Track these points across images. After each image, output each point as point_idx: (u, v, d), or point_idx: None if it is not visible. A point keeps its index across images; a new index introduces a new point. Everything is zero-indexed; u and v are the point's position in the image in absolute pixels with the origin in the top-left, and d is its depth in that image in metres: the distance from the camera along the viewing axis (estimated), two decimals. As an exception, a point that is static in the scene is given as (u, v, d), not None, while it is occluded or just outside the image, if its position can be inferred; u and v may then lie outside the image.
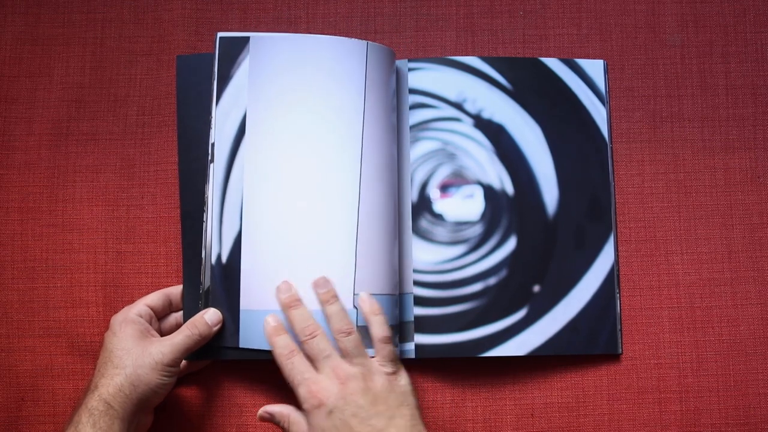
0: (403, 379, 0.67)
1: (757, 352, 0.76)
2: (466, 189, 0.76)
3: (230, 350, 0.71)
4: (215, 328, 0.70)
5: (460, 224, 0.75)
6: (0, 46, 0.80)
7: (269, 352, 0.68)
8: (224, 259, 0.70)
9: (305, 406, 0.64)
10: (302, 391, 0.65)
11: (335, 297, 0.68)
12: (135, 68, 0.80)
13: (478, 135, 0.76)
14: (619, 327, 0.75)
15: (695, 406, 0.75)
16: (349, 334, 0.66)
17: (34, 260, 0.77)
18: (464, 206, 0.76)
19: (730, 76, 0.79)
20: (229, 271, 0.70)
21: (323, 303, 0.68)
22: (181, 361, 0.68)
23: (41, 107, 0.79)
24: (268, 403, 0.74)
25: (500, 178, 0.76)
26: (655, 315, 0.76)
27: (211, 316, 0.70)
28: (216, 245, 0.71)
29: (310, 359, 0.66)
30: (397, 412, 0.64)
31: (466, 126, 0.76)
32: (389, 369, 0.66)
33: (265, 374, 0.75)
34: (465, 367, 0.75)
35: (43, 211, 0.78)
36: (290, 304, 0.68)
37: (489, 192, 0.76)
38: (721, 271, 0.77)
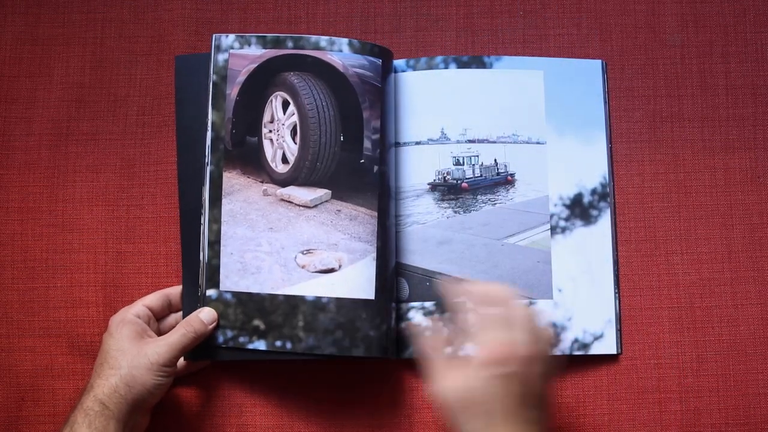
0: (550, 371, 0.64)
1: (757, 352, 0.76)
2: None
3: (230, 349, 0.71)
4: (210, 327, 0.70)
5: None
6: (0, 46, 0.80)
7: (269, 353, 0.69)
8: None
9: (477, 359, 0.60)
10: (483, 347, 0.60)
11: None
12: (135, 68, 0.80)
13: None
14: (618, 327, 0.75)
15: (695, 406, 0.75)
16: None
17: (34, 260, 0.77)
18: None
19: (730, 76, 0.79)
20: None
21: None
22: (177, 361, 0.68)
23: (41, 107, 0.79)
24: (267, 404, 0.75)
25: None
26: (655, 315, 0.76)
27: (206, 314, 0.70)
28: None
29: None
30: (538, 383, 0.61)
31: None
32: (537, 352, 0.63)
33: (265, 374, 0.75)
34: (465, 367, 0.75)
35: (43, 211, 0.78)
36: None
37: None
38: (721, 271, 0.77)
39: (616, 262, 0.76)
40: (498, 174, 0.77)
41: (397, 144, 0.76)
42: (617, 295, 0.76)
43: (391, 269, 0.73)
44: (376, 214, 0.72)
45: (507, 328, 0.60)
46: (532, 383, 0.59)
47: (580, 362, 0.76)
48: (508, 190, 0.77)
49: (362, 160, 0.72)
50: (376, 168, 0.72)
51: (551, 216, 0.76)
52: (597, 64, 0.78)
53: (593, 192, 0.77)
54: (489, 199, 0.77)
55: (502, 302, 0.62)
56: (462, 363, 0.61)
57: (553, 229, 0.76)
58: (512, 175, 0.77)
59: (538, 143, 0.77)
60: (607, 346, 0.75)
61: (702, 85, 0.79)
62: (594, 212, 0.76)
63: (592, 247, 0.76)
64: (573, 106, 0.78)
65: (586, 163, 0.77)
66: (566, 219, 0.76)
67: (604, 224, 0.76)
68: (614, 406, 0.75)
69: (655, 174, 0.78)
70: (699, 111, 0.79)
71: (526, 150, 0.77)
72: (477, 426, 0.58)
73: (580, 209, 0.76)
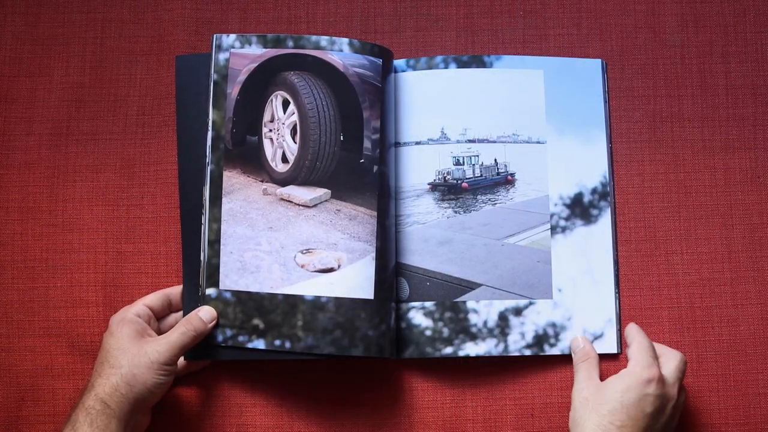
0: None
1: (757, 352, 0.76)
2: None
3: (229, 350, 0.71)
4: (210, 325, 0.70)
5: None
6: (0, 46, 0.80)
7: (268, 352, 0.69)
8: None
9: (641, 374, 0.66)
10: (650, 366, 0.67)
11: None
12: (135, 68, 0.80)
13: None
14: (618, 327, 0.75)
15: (695, 406, 0.75)
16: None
17: (34, 260, 0.77)
18: None
19: (730, 76, 0.79)
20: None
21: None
22: (177, 360, 0.68)
23: (41, 107, 0.79)
24: (267, 404, 0.74)
25: None
26: (655, 315, 0.76)
27: (205, 313, 0.70)
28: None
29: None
30: None
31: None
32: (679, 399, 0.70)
33: (265, 374, 0.75)
34: (465, 367, 0.75)
35: (43, 211, 0.78)
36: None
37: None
38: (721, 271, 0.77)
39: (616, 262, 0.76)
40: (498, 174, 0.77)
41: (397, 144, 0.76)
42: (617, 295, 0.76)
43: (390, 269, 0.73)
44: (375, 213, 0.72)
45: (663, 359, 0.69)
46: (672, 408, 0.66)
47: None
48: (508, 190, 0.77)
49: (362, 160, 0.72)
50: (375, 168, 0.72)
51: (551, 216, 0.76)
52: (597, 63, 0.78)
53: (593, 191, 0.77)
54: (489, 199, 0.77)
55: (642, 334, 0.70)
56: (622, 373, 0.67)
57: (553, 229, 0.76)
58: (512, 174, 0.77)
59: (538, 143, 0.77)
60: (607, 345, 0.75)
61: (702, 85, 0.79)
62: (594, 212, 0.76)
63: (592, 247, 0.76)
64: (573, 105, 0.78)
65: (586, 163, 0.77)
66: (566, 219, 0.76)
67: (604, 224, 0.76)
68: (614, 406, 0.75)
69: (655, 174, 0.78)
70: (699, 111, 0.79)
71: (526, 150, 0.77)
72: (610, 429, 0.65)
73: (580, 209, 0.76)
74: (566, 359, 0.75)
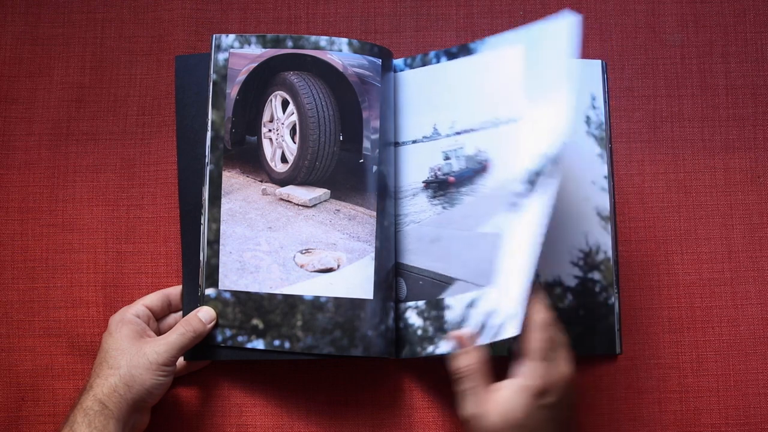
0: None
1: (757, 352, 0.76)
2: None
3: (229, 350, 0.71)
4: (209, 326, 0.70)
5: None
6: (0, 46, 0.80)
7: (268, 352, 0.69)
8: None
9: (529, 382, 0.61)
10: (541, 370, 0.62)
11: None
12: (135, 68, 0.80)
13: None
14: (618, 327, 0.75)
15: (695, 406, 0.75)
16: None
17: (34, 260, 0.77)
18: None
19: (730, 76, 0.79)
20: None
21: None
22: (176, 360, 0.68)
23: (41, 107, 0.79)
24: (267, 404, 0.75)
25: None
26: (654, 315, 0.76)
27: (204, 313, 0.70)
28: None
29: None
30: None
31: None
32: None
33: (265, 374, 0.75)
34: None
35: (43, 211, 0.78)
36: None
37: None
38: (721, 271, 0.77)
39: (615, 262, 0.76)
40: (479, 162, 0.74)
41: (396, 143, 0.76)
42: (617, 295, 0.75)
43: (389, 269, 0.73)
44: (374, 213, 0.72)
45: (549, 356, 0.62)
46: (569, 410, 0.62)
47: (580, 362, 0.75)
48: (483, 176, 0.73)
49: (361, 160, 0.72)
50: (375, 168, 0.72)
51: (509, 195, 0.70)
52: (597, 64, 0.78)
53: (552, 160, 0.66)
54: (470, 190, 0.74)
55: (543, 328, 0.63)
56: (500, 389, 0.62)
57: (509, 209, 0.70)
58: (488, 160, 0.73)
59: (512, 121, 0.71)
60: (607, 346, 0.75)
61: (702, 85, 0.79)
62: (543, 181, 0.67)
63: (525, 222, 0.68)
64: (550, 70, 0.69)
65: (549, 130, 0.67)
66: (520, 196, 0.69)
67: (542, 196, 0.66)
68: (614, 405, 0.75)
69: (655, 174, 0.78)
70: (699, 111, 0.79)
71: (502, 132, 0.72)
72: None
73: (535, 183, 0.68)
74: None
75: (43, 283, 0.77)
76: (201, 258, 0.72)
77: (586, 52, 0.79)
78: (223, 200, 0.72)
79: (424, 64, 0.76)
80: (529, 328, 0.63)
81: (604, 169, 0.76)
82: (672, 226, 0.77)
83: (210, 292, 0.72)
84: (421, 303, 0.74)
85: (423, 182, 0.76)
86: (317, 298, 0.71)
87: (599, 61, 0.78)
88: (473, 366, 0.64)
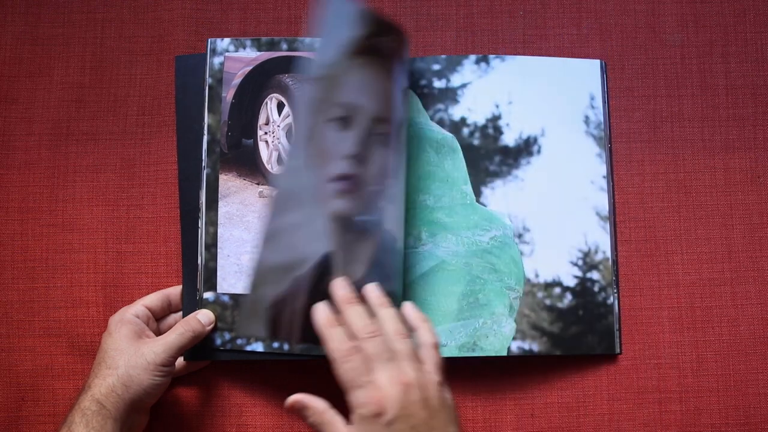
0: (448, 392, 0.62)
1: (757, 352, 0.76)
2: None
3: (229, 351, 0.71)
4: (208, 327, 0.70)
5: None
6: (0, 46, 0.80)
7: (268, 353, 0.69)
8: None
9: (361, 411, 0.58)
10: (361, 396, 0.58)
11: (388, 301, 0.64)
12: (135, 68, 0.80)
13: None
14: (618, 327, 0.75)
15: (695, 406, 0.75)
16: (405, 337, 0.61)
17: (34, 260, 0.77)
18: None
19: (730, 76, 0.79)
20: None
21: (377, 307, 0.63)
22: (174, 361, 0.68)
23: (41, 107, 0.79)
24: (267, 404, 0.74)
25: None
26: (654, 315, 0.76)
27: (204, 315, 0.70)
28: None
29: (366, 360, 0.60)
30: (446, 430, 0.59)
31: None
32: (439, 378, 0.61)
33: (264, 375, 0.75)
34: (465, 367, 0.75)
35: (43, 211, 0.78)
36: (349, 300, 0.63)
37: None
38: (721, 271, 0.77)
39: (614, 262, 0.76)
40: None
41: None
42: (616, 294, 0.75)
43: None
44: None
45: (361, 381, 0.59)
46: (426, 412, 0.58)
47: (580, 362, 0.75)
48: None
49: None
50: None
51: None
52: (596, 63, 0.78)
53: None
54: None
55: (346, 356, 0.60)
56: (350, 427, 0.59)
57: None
58: None
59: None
60: (607, 346, 0.75)
61: (702, 85, 0.79)
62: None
63: None
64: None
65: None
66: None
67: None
68: (614, 406, 0.75)
69: (655, 174, 0.78)
70: (699, 111, 0.79)
71: None
72: None
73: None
74: (567, 359, 0.75)
75: (43, 283, 0.77)
76: (199, 262, 0.72)
77: (586, 52, 0.79)
78: (220, 203, 0.72)
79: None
80: (331, 362, 0.60)
81: (603, 169, 0.76)
82: (672, 226, 0.77)
83: (208, 295, 0.72)
84: None
85: None
86: None
87: (598, 61, 0.78)
88: (321, 417, 0.61)
